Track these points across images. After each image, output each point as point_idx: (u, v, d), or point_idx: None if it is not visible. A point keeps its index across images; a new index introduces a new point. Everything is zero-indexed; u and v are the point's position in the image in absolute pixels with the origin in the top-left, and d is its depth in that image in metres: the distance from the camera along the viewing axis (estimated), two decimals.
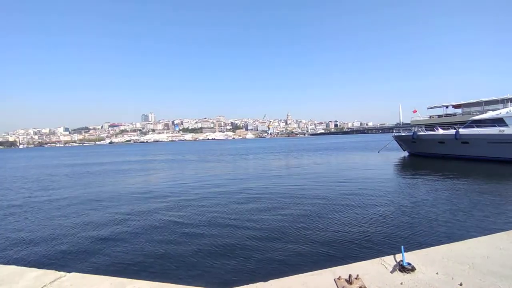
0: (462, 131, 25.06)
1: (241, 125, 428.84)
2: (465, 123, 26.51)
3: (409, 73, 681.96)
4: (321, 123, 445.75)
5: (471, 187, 12.82)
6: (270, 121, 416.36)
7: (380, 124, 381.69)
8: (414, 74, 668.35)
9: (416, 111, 40.17)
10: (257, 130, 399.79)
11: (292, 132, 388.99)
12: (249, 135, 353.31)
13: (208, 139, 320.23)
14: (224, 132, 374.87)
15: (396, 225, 8.10)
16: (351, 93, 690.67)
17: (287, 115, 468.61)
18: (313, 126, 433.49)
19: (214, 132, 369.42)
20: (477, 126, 24.20)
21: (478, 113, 33.14)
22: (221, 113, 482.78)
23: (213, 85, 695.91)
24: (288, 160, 32.15)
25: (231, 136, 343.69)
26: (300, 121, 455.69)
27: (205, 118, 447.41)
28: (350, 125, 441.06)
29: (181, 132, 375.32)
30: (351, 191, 12.39)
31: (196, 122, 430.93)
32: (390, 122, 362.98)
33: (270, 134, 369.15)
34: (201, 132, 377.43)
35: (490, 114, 25.23)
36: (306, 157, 33.80)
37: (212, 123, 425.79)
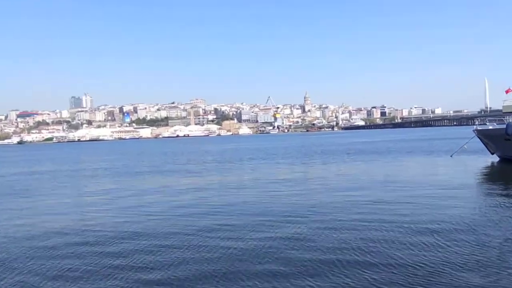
0: None
1: (231, 113, 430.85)
2: None
3: (501, 25, 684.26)
4: (360, 110, 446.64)
5: None
6: (278, 108, 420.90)
7: (454, 112, 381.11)
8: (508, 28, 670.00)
9: (510, 91, 40.31)
10: (257, 121, 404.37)
11: (313, 124, 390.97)
12: (244, 130, 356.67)
13: (177, 135, 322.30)
14: (204, 124, 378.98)
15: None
16: (407, 64, 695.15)
17: (305, 97, 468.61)
18: (347, 114, 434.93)
19: (188, 124, 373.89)
20: None
21: None
22: (200, 96, 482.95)
23: (186, 52, 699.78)
24: (305, 168, 32.78)
25: (214, 131, 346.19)
26: (326, 107, 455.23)
27: (173, 104, 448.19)
28: (405, 113, 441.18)
29: (134, 125, 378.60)
30: (408, 223, 12.65)
31: (158, 110, 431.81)
32: (470, 108, 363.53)
33: (278, 127, 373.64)
34: (167, 124, 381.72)
35: None
36: (334, 164, 34.61)
37: (185, 110, 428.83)
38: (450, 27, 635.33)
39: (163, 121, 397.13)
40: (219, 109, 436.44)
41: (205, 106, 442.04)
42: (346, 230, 11.74)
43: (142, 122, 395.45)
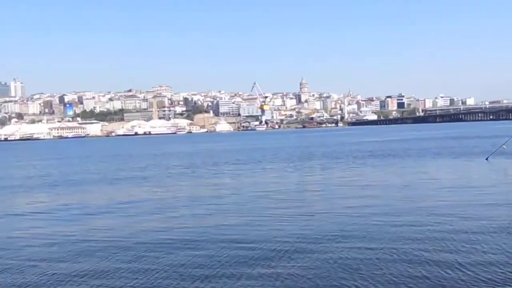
0: None
1: (205, 104, 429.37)
2: None
3: None
4: (371, 100, 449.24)
5: None
6: (266, 97, 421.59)
7: (490, 103, 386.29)
8: None
9: None
10: (239, 114, 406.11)
11: (312, 118, 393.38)
12: (223, 126, 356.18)
13: (136, 133, 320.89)
14: (170, 119, 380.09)
15: None
16: (430, 40, 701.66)
17: (301, 84, 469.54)
18: (355, 106, 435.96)
19: (150, 119, 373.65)
20: None
21: None
22: (165, 82, 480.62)
23: (145, 25, 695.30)
24: (300, 176, 32.83)
25: (184, 128, 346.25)
26: (328, 97, 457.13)
27: (130, 92, 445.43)
28: (429, 104, 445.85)
29: (78, 119, 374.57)
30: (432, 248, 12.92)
31: (110, 99, 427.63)
32: (511, 98, 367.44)
33: (266, 122, 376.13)
34: (122, 119, 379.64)
35: None
36: (338, 171, 34.67)
37: (146, 100, 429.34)
38: None
39: (117, 115, 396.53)
40: (190, 99, 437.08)
41: (171, 95, 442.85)
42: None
43: (89, 115, 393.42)
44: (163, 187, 29.46)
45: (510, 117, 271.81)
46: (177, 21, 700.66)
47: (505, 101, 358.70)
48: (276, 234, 14.44)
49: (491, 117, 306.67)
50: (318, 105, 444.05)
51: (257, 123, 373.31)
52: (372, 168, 36.23)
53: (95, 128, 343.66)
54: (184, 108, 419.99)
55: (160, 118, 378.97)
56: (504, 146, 37.74)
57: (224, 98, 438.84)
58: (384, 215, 17.12)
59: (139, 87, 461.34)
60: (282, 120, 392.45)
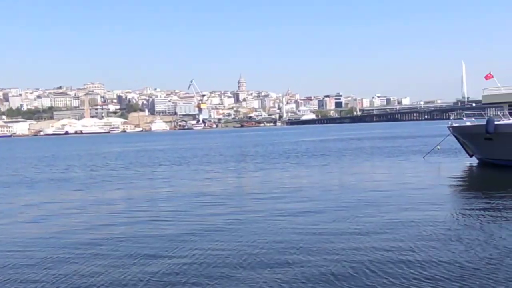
0: None
1: (140, 103, 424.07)
2: None
3: (476, 6, 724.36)
4: (309, 99, 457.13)
5: None
6: (204, 95, 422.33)
7: (426, 103, 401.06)
8: (486, 7, 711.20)
9: (491, 77, 41.79)
10: (175, 113, 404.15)
11: (250, 117, 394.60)
12: (159, 125, 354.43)
13: (66, 132, 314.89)
14: (103, 117, 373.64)
15: None
16: (368, 43, 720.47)
17: (239, 82, 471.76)
18: (293, 105, 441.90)
19: (81, 117, 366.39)
20: None
21: None
22: (97, 79, 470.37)
23: (75, 17, 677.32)
24: (233, 177, 32.14)
25: (118, 127, 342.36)
26: (266, 96, 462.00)
27: (60, 89, 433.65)
28: (366, 103, 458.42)
29: (4, 117, 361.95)
30: (372, 241, 13.39)
31: (38, 97, 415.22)
32: (445, 98, 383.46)
33: (204, 121, 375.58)
34: (51, 117, 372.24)
35: None
36: (273, 171, 34.14)
37: (77, 98, 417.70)
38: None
39: (46, 113, 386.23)
40: (124, 97, 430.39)
41: (104, 93, 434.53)
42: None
43: (16, 114, 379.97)
44: (73, 191, 28.07)
45: (444, 117, 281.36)
46: (111, 15, 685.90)
47: (439, 101, 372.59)
48: (200, 247, 13.70)
49: (426, 117, 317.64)
50: (256, 104, 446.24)
51: (194, 122, 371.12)
52: (308, 168, 36.07)
53: (22, 127, 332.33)
54: (118, 107, 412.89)
55: (92, 116, 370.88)
56: (438, 146, 39.74)
57: (160, 96, 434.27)
58: (313, 215, 17.00)
59: (70, 84, 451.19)
60: (220, 119, 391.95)
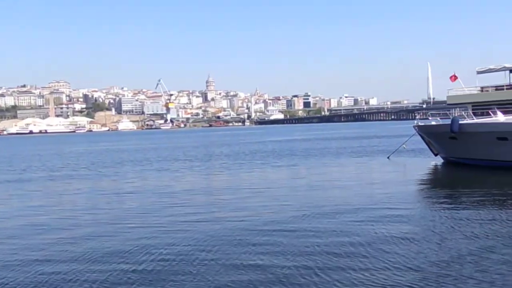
0: None
1: (107, 102, 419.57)
2: None
3: (442, 7, 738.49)
4: (278, 99, 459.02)
5: None
6: (172, 95, 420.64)
7: (392, 103, 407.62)
8: (452, 9, 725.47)
9: (456, 78, 42.40)
10: (143, 113, 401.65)
11: (218, 117, 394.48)
12: (126, 124, 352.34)
13: (30, 131, 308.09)
14: (68, 116, 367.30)
15: None
16: (335, 43, 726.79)
17: (208, 82, 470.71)
18: (262, 105, 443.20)
19: (46, 116, 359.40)
20: None
21: None
22: (63, 77, 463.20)
23: (39, 13, 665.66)
24: (196, 177, 31.69)
25: (84, 126, 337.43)
26: (235, 95, 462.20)
27: (24, 87, 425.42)
28: (334, 103, 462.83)
29: None
30: (335, 238, 13.59)
31: (1, 95, 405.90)
32: (411, 99, 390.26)
33: (172, 121, 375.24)
34: (15, 116, 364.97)
35: None
36: (237, 172, 33.88)
37: (42, 97, 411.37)
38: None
39: (10, 112, 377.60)
40: (90, 96, 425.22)
41: (70, 92, 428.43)
42: None
43: None
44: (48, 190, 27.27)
45: (410, 117, 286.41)
46: (76, 13, 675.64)
47: (405, 102, 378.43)
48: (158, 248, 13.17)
49: (392, 117, 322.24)
50: (225, 103, 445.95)
51: (162, 121, 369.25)
52: (270, 168, 35.90)
53: None
54: (84, 106, 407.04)
55: (57, 115, 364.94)
56: (404, 145, 40.13)
57: (127, 96, 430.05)
58: (274, 215, 16.88)
59: (34, 82, 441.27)
60: (188, 119, 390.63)
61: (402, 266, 10.89)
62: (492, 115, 30.51)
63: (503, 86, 41.50)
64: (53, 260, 12.32)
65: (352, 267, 10.93)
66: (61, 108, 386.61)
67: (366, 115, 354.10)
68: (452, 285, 9.53)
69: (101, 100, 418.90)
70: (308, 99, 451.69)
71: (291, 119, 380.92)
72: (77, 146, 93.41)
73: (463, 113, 34.18)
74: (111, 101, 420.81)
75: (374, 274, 10.42)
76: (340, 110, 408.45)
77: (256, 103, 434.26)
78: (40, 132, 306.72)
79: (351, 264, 11.15)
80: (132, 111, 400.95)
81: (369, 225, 15.13)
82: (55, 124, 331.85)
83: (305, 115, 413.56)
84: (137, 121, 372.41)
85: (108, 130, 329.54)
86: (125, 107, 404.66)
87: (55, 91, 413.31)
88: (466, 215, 16.11)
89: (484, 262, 10.84)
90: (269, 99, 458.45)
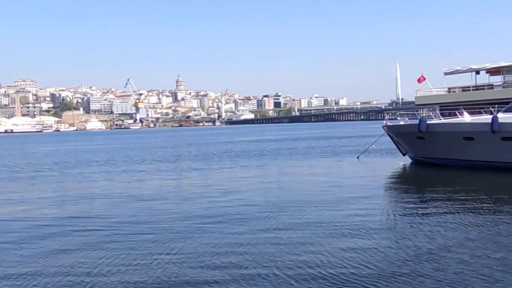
0: (503, 117, 27.10)
1: (75, 101, 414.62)
2: (509, 102, 28.74)
3: (411, 10, 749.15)
4: (248, 99, 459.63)
5: None
6: (141, 94, 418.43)
7: (362, 104, 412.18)
8: (421, 11, 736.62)
9: (424, 79, 42.85)
10: (112, 112, 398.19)
11: (188, 117, 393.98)
12: (94, 124, 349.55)
13: None
14: (35, 116, 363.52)
15: None
16: (307, 45, 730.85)
17: (178, 81, 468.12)
18: (232, 105, 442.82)
19: (12, 116, 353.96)
20: None
21: None
22: (29, 76, 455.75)
23: (4, 9, 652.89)
24: (160, 177, 30.96)
25: (51, 126, 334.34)
26: (205, 95, 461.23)
27: None
28: (304, 103, 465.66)
29: None
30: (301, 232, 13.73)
31: None
32: (380, 99, 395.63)
33: (141, 121, 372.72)
34: None
35: None
36: (200, 172, 33.41)
37: (7, 96, 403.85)
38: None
39: None
40: (57, 95, 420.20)
41: (37, 91, 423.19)
42: None
43: None
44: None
45: (380, 118, 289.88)
46: (44, 9, 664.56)
47: (375, 102, 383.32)
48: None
49: (362, 117, 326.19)
50: (195, 103, 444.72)
51: (131, 121, 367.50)
52: (239, 168, 35.42)
53: None
54: (51, 105, 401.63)
55: (23, 115, 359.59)
56: (373, 145, 40.68)
57: (96, 95, 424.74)
58: (237, 216, 16.64)
59: (0, 81, 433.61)
60: (158, 119, 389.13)
61: (358, 264, 10.93)
62: (458, 115, 30.83)
63: (469, 87, 42.24)
64: None
65: (309, 264, 10.98)
66: (28, 107, 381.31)
67: (336, 115, 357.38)
68: (406, 283, 9.59)
69: (69, 100, 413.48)
70: (278, 99, 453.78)
71: (261, 119, 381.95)
72: (43, 146, 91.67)
73: (431, 113, 34.53)
74: (79, 100, 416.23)
75: (329, 271, 10.47)
76: (311, 110, 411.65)
77: (226, 103, 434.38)
78: (6, 131, 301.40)
79: (307, 261, 11.19)
80: (101, 111, 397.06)
81: (331, 223, 15.22)
82: (22, 124, 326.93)
83: (275, 115, 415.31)
84: (106, 120, 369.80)
85: (76, 129, 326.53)
86: (93, 106, 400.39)
87: (21, 90, 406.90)
88: (429, 214, 16.31)
89: (441, 261, 10.91)
90: (239, 99, 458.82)
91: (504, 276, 9.81)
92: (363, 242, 12.78)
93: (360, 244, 12.62)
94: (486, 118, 28.28)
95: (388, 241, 12.92)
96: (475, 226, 14.18)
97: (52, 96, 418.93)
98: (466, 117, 30.25)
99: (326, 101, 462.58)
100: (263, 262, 11.37)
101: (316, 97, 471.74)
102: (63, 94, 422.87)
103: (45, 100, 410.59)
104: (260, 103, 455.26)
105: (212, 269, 10.89)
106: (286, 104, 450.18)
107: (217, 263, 11.32)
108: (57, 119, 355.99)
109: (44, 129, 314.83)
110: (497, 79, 41.86)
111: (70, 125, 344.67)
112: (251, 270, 10.59)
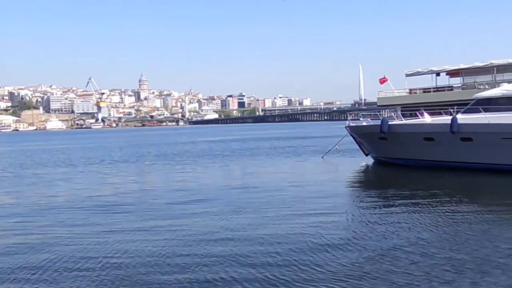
0: (462, 118, 27.47)
1: (34, 100, 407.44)
2: (468, 104, 29.29)
3: (372, 12, 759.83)
4: (212, 99, 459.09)
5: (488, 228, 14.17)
6: (103, 93, 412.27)
7: (325, 104, 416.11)
8: (383, 11, 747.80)
9: (386, 80, 43.30)
10: (73, 112, 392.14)
11: (152, 117, 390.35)
12: (54, 123, 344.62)
13: None
14: None
15: None
16: (271, 45, 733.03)
17: (140, 80, 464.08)
18: (196, 105, 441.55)
19: None
20: (485, 110, 26.75)
21: (487, 87, 37.26)
22: None
23: None
24: (120, 177, 30.35)
25: (9, 125, 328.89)
26: (168, 95, 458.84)
27: None
28: (269, 104, 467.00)
29: None
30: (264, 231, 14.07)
31: None
32: (343, 100, 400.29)
33: (103, 120, 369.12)
34: None
35: (506, 89, 28.47)
36: (158, 173, 32.86)
37: None
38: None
39: None
40: (16, 94, 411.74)
41: None
42: None
43: None
44: None
45: (343, 118, 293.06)
46: (3, 7, 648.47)
47: (338, 103, 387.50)
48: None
49: (325, 117, 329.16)
50: (158, 103, 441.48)
51: (93, 121, 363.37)
52: (201, 168, 35.08)
53: None
54: (9, 104, 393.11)
55: None
56: (337, 146, 40.73)
57: (56, 94, 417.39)
58: (192, 217, 16.44)
59: None
60: (120, 118, 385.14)
61: (307, 267, 10.85)
62: (419, 116, 31.31)
63: (430, 88, 43.00)
64: None
65: (264, 267, 10.90)
66: None
67: (300, 116, 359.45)
68: (358, 286, 9.55)
69: (28, 98, 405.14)
70: (242, 99, 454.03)
71: (225, 119, 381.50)
72: (4, 146, 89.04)
73: (392, 114, 34.85)
74: (39, 99, 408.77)
75: (276, 273, 10.40)
76: (275, 110, 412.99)
77: (190, 102, 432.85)
78: None
79: (263, 263, 11.14)
80: (62, 110, 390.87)
81: (290, 223, 15.22)
82: None
83: (239, 115, 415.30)
84: (67, 120, 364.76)
85: (36, 129, 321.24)
86: (53, 105, 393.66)
87: None
88: (386, 213, 16.44)
89: (393, 261, 10.94)
90: (203, 99, 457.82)
91: (453, 276, 9.89)
92: (314, 243, 12.72)
93: (311, 245, 12.53)
94: (446, 119, 28.72)
95: (341, 241, 12.85)
96: (430, 226, 14.25)
97: (11, 94, 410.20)
98: (427, 118, 30.70)
99: (290, 101, 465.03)
100: (211, 263, 11.22)
101: (280, 97, 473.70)
102: (22, 92, 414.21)
103: (3, 99, 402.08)
104: (224, 103, 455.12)
105: (160, 271, 10.74)
106: (250, 104, 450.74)
107: (165, 265, 11.14)
108: (15, 118, 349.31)
109: (1, 129, 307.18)
110: (456, 81, 42.89)
111: (29, 125, 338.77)
112: (198, 274, 10.41)
